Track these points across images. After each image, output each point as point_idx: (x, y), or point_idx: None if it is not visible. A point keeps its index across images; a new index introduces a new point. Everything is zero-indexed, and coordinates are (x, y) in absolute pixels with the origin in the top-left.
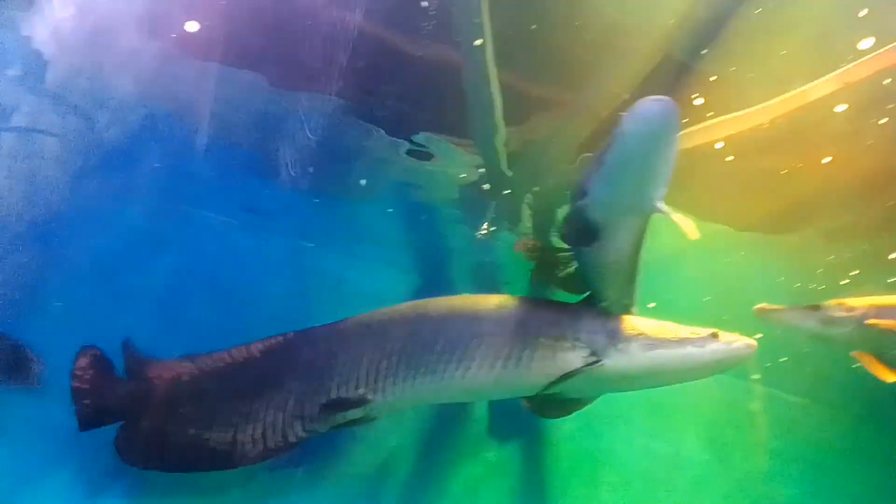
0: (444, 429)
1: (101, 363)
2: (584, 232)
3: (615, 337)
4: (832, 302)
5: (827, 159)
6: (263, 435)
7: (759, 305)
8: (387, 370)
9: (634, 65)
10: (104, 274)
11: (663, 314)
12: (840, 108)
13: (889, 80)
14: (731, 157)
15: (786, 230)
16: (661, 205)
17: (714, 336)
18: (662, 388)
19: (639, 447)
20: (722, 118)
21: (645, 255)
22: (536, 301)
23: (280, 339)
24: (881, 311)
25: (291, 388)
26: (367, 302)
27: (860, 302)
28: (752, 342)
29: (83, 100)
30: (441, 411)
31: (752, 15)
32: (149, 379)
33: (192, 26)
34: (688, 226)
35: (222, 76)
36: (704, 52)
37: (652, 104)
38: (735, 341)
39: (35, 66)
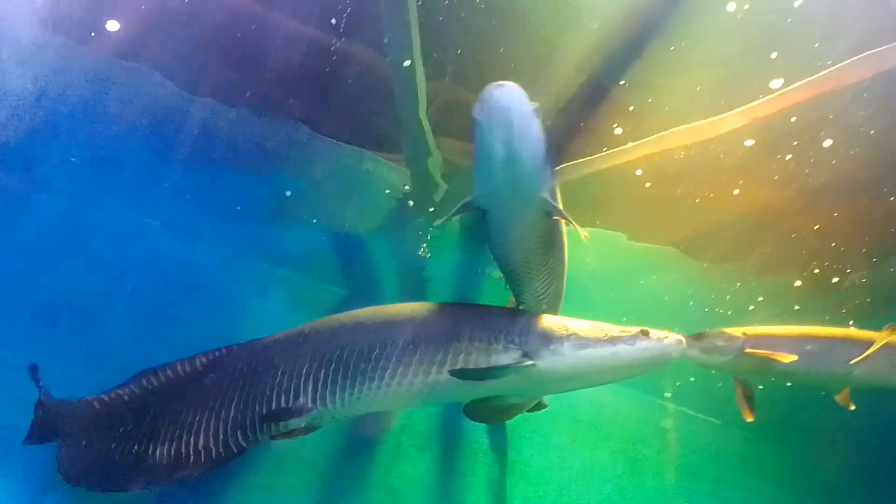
0: (359, 441)
1: None
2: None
3: (547, 338)
4: (714, 331)
5: (735, 191)
6: (205, 446)
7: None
8: (325, 379)
9: (560, 82)
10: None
11: None
12: (749, 142)
13: (794, 118)
14: (648, 184)
15: (699, 256)
16: (548, 197)
17: (644, 333)
18: (579, 404)
19: (554, 461)
20: (639, 142)
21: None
22: (469, 306)
23: (221, 351)
24: (759, 341)
25: (232, 398)
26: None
27: (740, 331)
28: (681, 338)
29: None
30: (356, 423)
31: (667, 50)
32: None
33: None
34: (578, 228)
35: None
36: (623, 83)
37: (495, 90)
38: (665, 338)
39: None
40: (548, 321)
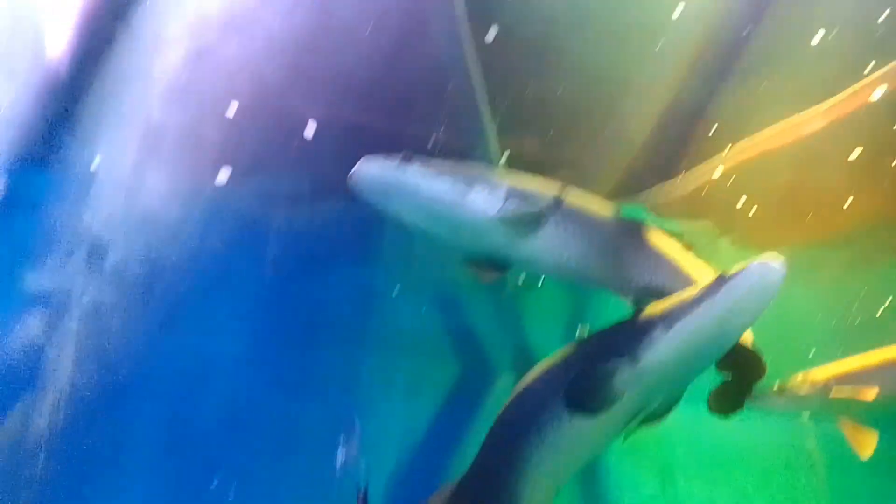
0: None
1: None
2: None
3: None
4: (795, 379)
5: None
6: None
7: None
8: None
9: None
10: None
11: None
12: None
13: None
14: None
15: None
16: None
17: (722, 276)
18: (717, 433)
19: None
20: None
21: None
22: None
23: None
24: (841, 379)
25: None
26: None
27: (821, 374)
28: (774, 258)
29: None
30: None
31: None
32: None
33: None
34: None
35: None
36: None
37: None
38: (746, 266)
39: None
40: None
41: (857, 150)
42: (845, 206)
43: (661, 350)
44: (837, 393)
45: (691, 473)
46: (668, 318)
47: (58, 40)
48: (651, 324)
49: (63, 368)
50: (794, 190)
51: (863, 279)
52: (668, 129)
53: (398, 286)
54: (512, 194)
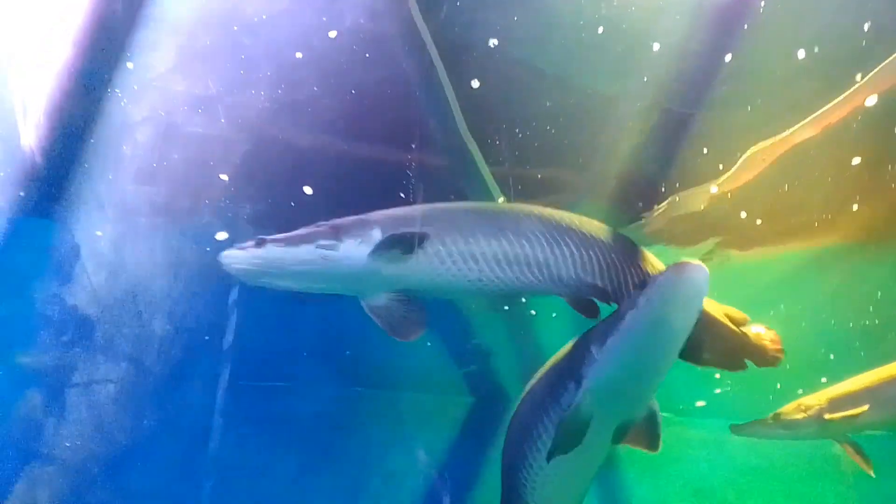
0: None
1: None
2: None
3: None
4: (789, 406)
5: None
6: None
7: (732, 425)
8: None
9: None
10: None
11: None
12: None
13: None
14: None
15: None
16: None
17: (643, 283)
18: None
19: None
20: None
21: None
22: None
23: None
24: (833, 403)
25: None
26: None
27: (814, 400)
28: (691, 259)
29: None
30: None
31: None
32: None
33: None
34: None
35: None
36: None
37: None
38: (662, 271)
39: None
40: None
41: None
42: (854, 210)
43: (602, 369)
44: (832, 416)
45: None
46: (602, 336)
47: (30, 129)
48: (590, 343)
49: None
50: (798, 199)
51: (876, 282)
52: (658, 152)
53: None
54: (377, 230)
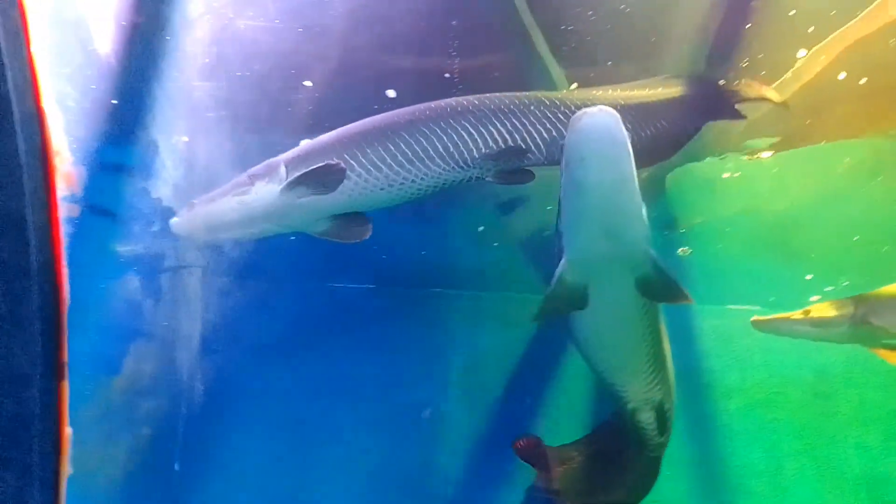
0: None
1: None
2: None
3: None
4: (822, 305)
5: None
6: None
7: (753, 318)
8: None
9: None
10: None
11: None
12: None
13: None
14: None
15: None
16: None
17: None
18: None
19: None
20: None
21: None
22: None
23: None
24: (872, 305)
25: None
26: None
27: (850, 300)
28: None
29: None
30: None
31: None
32: None
33: None
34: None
35: None
36: None
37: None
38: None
39: None
40: None
41: None
42: None
43: (567, 239)
44: (866, 319)
45: None
46: (558, 210)
47: (104, 34)
48: (557, 222)
49: None
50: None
51: None
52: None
53: None
54: (291, 166)
